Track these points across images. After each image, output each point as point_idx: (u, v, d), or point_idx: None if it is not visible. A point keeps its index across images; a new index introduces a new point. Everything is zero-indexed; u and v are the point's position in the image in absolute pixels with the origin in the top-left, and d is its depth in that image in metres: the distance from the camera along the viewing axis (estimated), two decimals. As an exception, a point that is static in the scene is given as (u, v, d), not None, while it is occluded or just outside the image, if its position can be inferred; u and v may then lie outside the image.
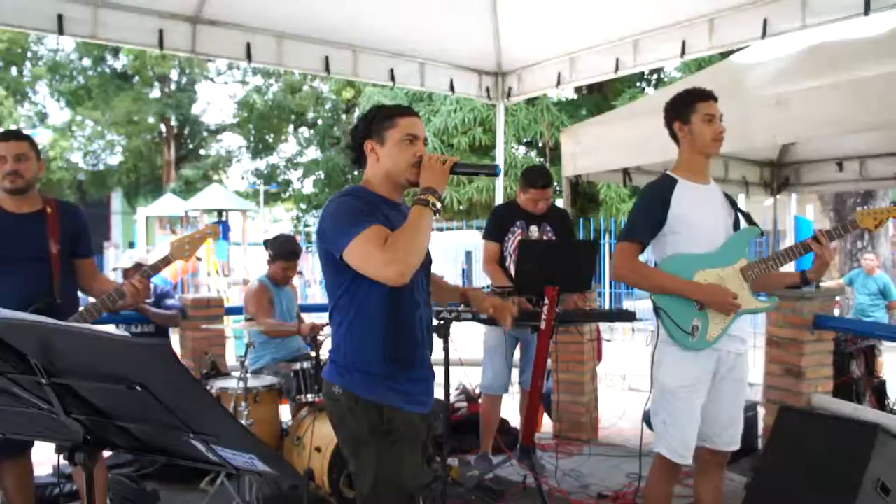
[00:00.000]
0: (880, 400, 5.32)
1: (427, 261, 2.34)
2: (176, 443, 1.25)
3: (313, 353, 4.21)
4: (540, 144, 14.67)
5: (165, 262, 3.20)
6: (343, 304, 2.28)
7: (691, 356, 2.95)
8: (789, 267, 3.47)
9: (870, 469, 3.25)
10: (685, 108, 3.05)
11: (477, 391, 5.11)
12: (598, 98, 14.63)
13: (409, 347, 2.31)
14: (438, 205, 2.18)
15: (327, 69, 5.79)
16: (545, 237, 4.50)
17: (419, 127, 2.34)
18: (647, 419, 3.29)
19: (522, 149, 15.32)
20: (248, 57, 5.37)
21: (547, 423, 5.66)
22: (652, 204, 3.04)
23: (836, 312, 10.05)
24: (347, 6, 5.38)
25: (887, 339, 5.36)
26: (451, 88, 6.52)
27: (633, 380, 7.74)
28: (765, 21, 4.85)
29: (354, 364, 2.26)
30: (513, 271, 4.40)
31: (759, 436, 4.80)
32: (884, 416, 4.01)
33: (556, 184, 6.67)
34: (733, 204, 3.19)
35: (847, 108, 4.36)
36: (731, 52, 6.02)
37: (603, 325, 7.22)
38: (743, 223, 3.19)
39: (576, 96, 15.64)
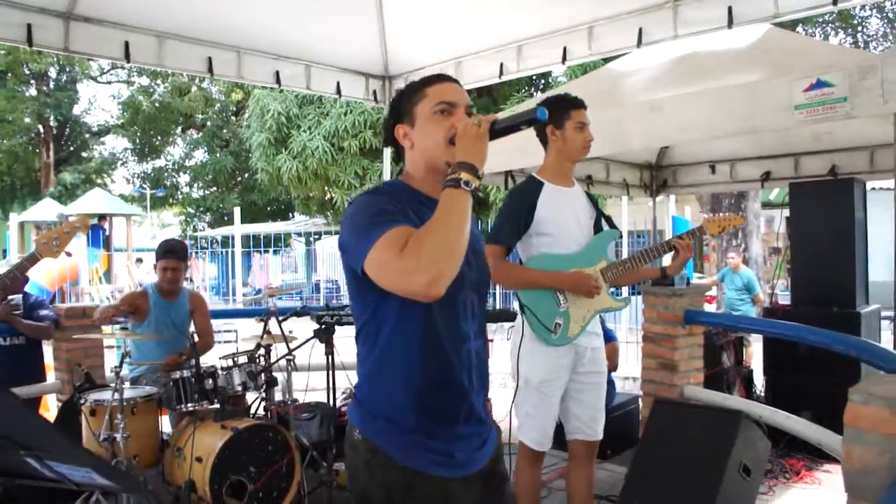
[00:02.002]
0: (748, 388, 5.65)
1: (481, 279, 1.90)
2: (11, 462, 1.20)
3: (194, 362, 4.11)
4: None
5: (32, 260, 3.07)
6: (368, 331, 1.80)
7: (553, 351, 3.11)
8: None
9: (734, 453, 3.46)
10: (560, 115, 3.16)
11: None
12: (488, 101, 14.88)
13: (452, 396, 1.80)
14: (475, 183, 1.65)
15: (210, 71, 5.63)
16: None
17: (457, 92, 1.83)
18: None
19: (413, 152, 15.39)
20: (127, 56, 5.17)
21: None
22: (518, 208, 3.16)
23: (714, 307, 10.62)
24: (231, 7, 5.28)
25: (749, 331, 5.70)
26: (338, 91, 6.48)
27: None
28: (640, 30, 5.07)
29: (380, 409, 1.79)
30: None
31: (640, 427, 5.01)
32: (747, 404, 4.28)
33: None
34: (596, 206, 3.34)
35: (713, 114, 4.61)
36: (613, 58, 6.26)
37: (492, 326, 7.36)
38: (605, 226, 3.35)
39: (467, 100, 15.86)
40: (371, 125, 13.79)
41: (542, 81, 15.54)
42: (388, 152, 7.10)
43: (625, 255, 3.44)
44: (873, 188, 10.49)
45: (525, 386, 3.15)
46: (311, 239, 20.74)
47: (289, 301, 18.96)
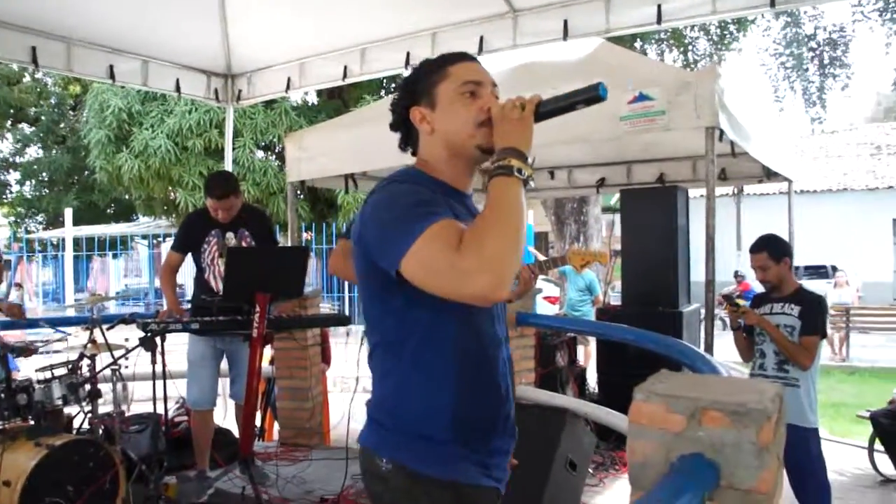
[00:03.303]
0: (581, 386, 5.90)
1: None
2: None
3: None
4: (278, 149, 14.50)
5: None
6: (392, 341, 1.58)
7: None
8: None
9: (560, 449, 3.60)
10: None
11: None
12: (338, 104, 14.77)
13: (491, 404, 1.63)
14: (527, 171, 1.47)
15: (35, 61, 5.24)
16: (244, 243, 4.43)
17: (482, 72, 1.65)
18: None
19: (261, 153, 15.02)
20: (-70, 41, 4.74)
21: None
22: None
23: (556, 308, 11.03)
24: (61, -6, 4.95)
25: (574, 331, 5.96)
26: (178, 89, 6.23)
27: (366, 382, 7.88)
28: (481, 38, 5.22)
29: (412, 428, 1.57)
30: (213, 283, 4.36)
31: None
32: (575, 402, 4.47)
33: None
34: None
35: (548, 121, 4.78)
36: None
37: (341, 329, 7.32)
38: None
39: (317, 101, 15.68)
40: (217, 124, 13.31)
41: (393, 84, 15.62)
42: (228, 152, 6.88)
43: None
44: (702, 195, 11.26)
45: None
46: (155, 241, 19.84)
47: (135, 307, 18.08)
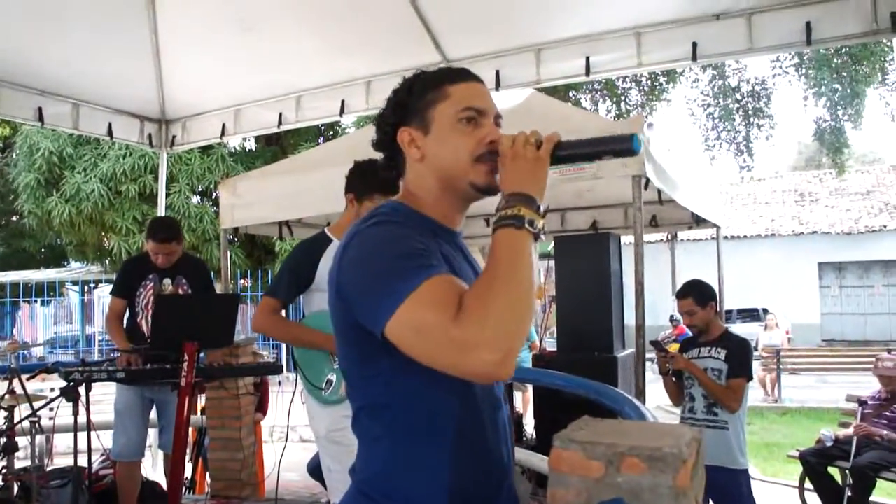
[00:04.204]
0: (518, 432, 5.89)
1: None
2: None
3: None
4: (215, 195, 14.37)
5: None
6: (382, 404, 1.36)
7: (330, 408, 3.04)
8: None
9: (495, 498, 3.57)
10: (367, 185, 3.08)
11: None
12: (276, 150, 14.77)
13: (491, 476, 1.41)
14: (540, 223, 1.27)
15: (-44, 102, 5.13)
16: (181, 290, 4.37)
17: (486, 98, 1.42)
18: (309, 470, 3.41)
19: (196, 199, 14.87)
20: None
21: (211, 483, 5.44)
22: (300, 263, 3.10)
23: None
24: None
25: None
26: (110, 133, 6.14)
27: (303, 431, 7.75)
28: (415, 87, 5.28)
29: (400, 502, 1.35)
30: (144, 327, 4.26)
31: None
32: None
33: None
34: None
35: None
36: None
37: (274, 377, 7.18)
38: None
39: (254, 147, 15.63)
40: (152, 169, 13.17)
41: (331, 131, 15.67)
42: (161, 198, 6.78)
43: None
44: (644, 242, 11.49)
45: (318, 441, 3.09)
46: (87, 287, 19.30)
47: (63, 355, 17.42)
